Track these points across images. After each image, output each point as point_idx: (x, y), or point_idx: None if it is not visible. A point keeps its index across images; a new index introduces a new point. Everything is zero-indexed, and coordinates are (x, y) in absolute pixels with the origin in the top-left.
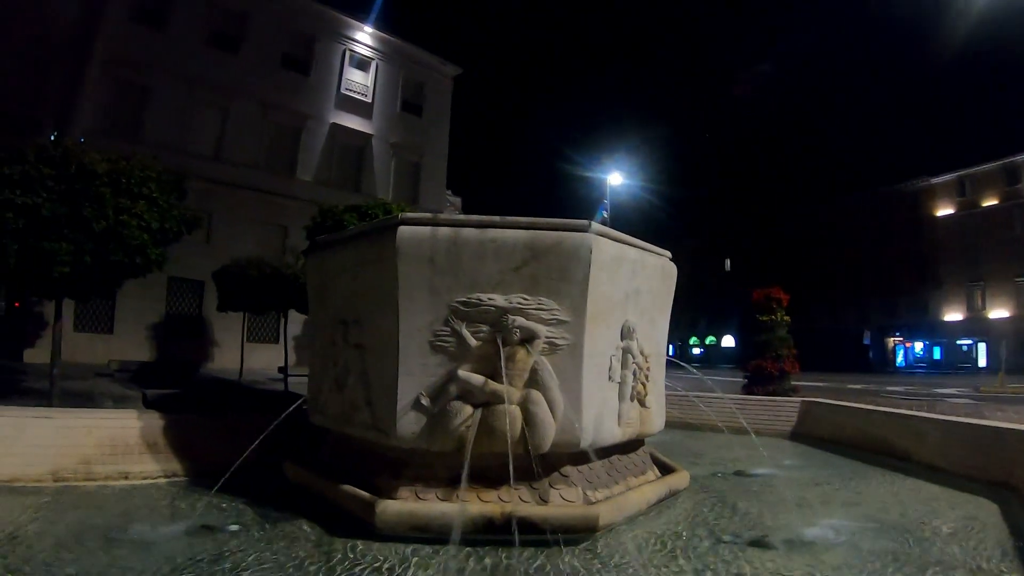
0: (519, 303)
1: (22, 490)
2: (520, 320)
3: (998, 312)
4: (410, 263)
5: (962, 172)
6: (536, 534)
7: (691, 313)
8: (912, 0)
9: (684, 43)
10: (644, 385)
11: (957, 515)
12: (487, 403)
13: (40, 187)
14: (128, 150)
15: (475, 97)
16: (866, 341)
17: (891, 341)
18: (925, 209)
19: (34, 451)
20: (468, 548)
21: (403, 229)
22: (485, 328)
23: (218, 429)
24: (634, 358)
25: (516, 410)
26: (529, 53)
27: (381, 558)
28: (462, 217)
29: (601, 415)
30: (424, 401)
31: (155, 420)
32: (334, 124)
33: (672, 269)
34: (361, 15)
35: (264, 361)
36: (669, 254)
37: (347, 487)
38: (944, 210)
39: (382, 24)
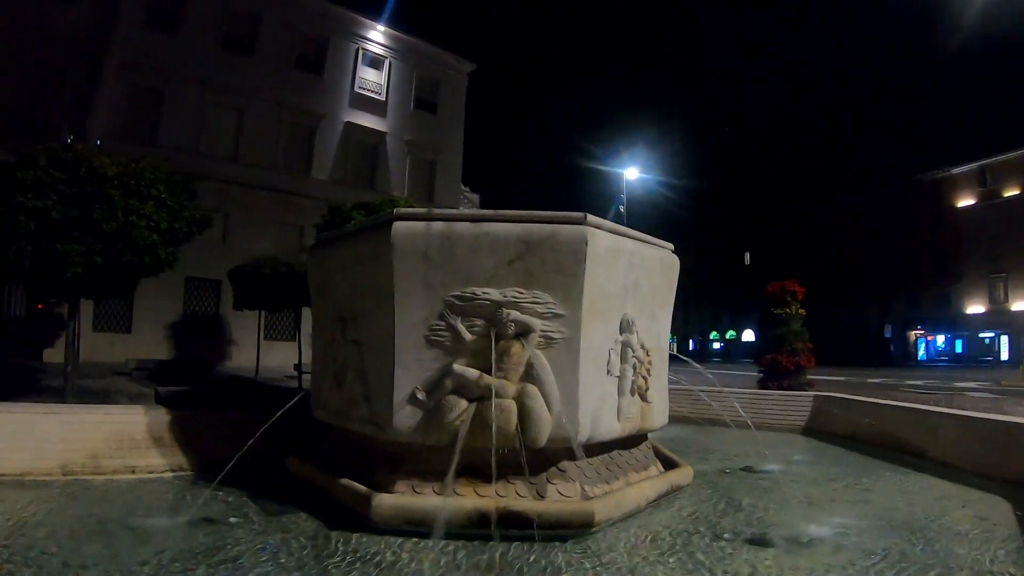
0: (514, 297)
1: (32, 483)
2: (515, 314)
3: (1021, 304)
4: (405, 258)
5: (983, 162)
6: (530, 529)
7: (711, 307)
8: None
9: (700, 35)
10: (645, 379)
11: (967, 514)
12: (482, 397)
13: (51, 190)
14: (144, 153)
15: (492, 92)
16: (887, 335)
17: (913, 334)
18: (946, 200)
19: (43, 446)
20: (462, 542)
21: (398, 225)
22: (480, 322)
23: (223, 424)
24: (634, 352)
25: (511, 404)
26: (545, 47)
27: (375, 551)
28: (456, 211)
29: (599, 410)
30: (420, 396)
31: (161, 416)
32: (348, 123)
33: (674, 261)
34: (374, 14)
35: (281, 359)
36: (671, 246)
37: (345, 481)
38: (965, 201)
39: (395, 22)
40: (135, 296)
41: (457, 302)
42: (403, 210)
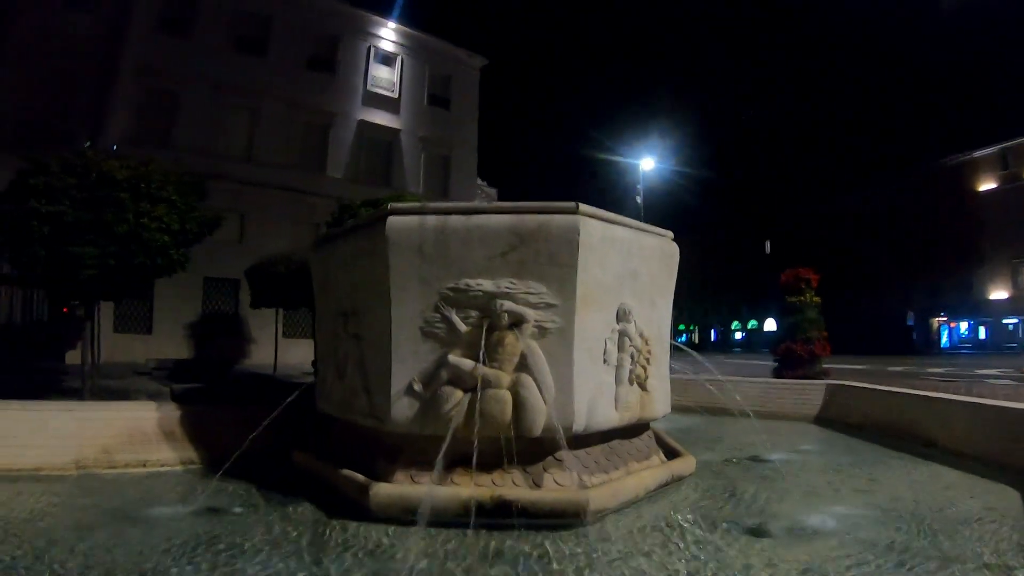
0: (507, 288)
1: (46, 478)
2: (508, 304)
3: None
4: (400, 253)
5: (1004, 144)
6: (524, 518)
7: (733, 298)
8: None
9: (714, 23)
10: (645, 368)
11: (974, 504)
12: (477, 388)
13: (64, 196)
14: (159, 156)
15: (507, 86)
16: (910, 322)
17: (935, 322)
18: (967, 184)
19: (58, 442)
20: (457, 530)
21: (392, 220)
22: (475, 314)
23: (233, 419)
24: (631, 341)
25: (506, 394)
26: (558, 38)
27: (372, 538)
28: (449, 205)
29: (595, 399)
30: (417, 387)
31: (172, 411)
32: (362, 121)
33: (673, 249)
34: (384, 12)
35: (300, 356)
36: (671, 234)
37: (346, 471)
38: (986, 184)
39: (405, 19)
40: (155, 297)
41: (452, 294)
42: (397, 205)
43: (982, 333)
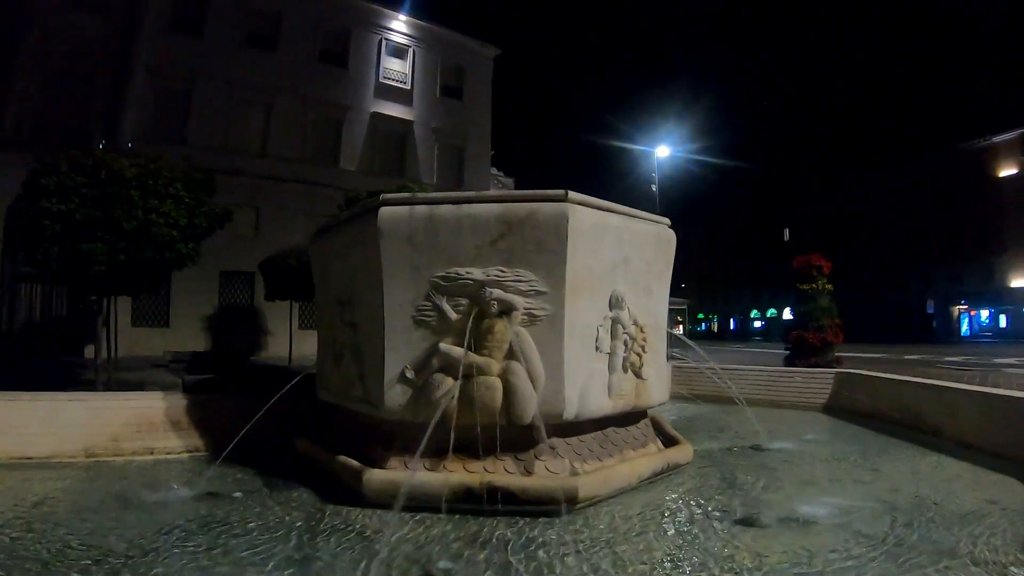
0: (496, 275)
1: (56, 465)
2: (497, 292)
3: None
4: (391, 242)
5: None
6: (514, 504)
7: (752, 286)
8: None
9: (730, 7)
10: (639, 356)
11: (976, 497)
12: (468, 375)
13: (74, 194)
14: (174, 153)
15: (522, 75)
16: (930, 310)
17: (956, 310)
18: (988, 169)
19: (68, 431)
20: (446, 516)
21: (384, 210)
22: (465, 302)
23: (238, 407)
24: (625, 328)
25: (496, 381)
26: (572, 25)
27: (364, 522)
28: (439, 195)
29: (587, 386)
30: (409, 374)
31: (179, 400)
32: (375, 113)
33: (669, 236)
34: (395, 4)
35: (316, 347)
36: (668, 221)
37: (342, 458)
38: (1007, 170)
39: (416, 11)
40: (172, 291)
41: (442, 283)
42: (388, 195)
43: (1003, 321)
